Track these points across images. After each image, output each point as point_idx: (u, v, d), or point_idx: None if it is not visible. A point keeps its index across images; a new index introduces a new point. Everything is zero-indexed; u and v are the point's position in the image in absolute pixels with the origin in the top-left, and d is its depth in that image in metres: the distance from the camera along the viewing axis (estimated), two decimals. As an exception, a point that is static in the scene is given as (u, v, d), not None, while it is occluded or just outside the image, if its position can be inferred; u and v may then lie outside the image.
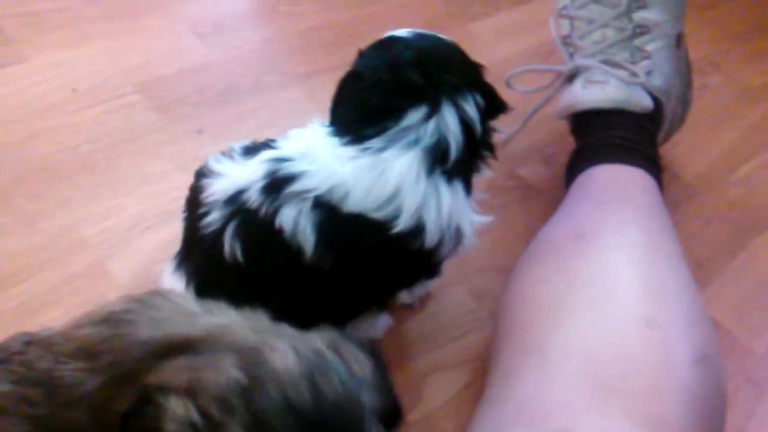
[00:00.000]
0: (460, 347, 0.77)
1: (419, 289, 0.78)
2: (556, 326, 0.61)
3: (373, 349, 0.47)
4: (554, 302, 0.63)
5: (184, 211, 0.68)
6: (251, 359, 0.41)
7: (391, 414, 0.46)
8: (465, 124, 0.63)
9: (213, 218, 0.61)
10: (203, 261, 0.64)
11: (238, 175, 0.62)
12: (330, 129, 0.64)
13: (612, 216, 0.72)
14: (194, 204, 0.65)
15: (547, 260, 0.68)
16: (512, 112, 0.70)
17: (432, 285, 0.79)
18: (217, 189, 0.62)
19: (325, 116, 0.67)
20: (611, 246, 0.66)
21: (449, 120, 0.62)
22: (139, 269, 0.79)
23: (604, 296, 0.62)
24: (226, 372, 0.40)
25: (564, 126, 0.95)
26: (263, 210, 0.60)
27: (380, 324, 0.73)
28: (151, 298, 0.48)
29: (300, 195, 0.60)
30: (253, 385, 0.40)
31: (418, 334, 0.78)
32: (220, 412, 0.39)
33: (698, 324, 0.63)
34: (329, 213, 0.60)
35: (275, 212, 0.60)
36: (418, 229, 0.61)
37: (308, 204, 0.60)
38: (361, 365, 0.44)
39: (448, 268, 0.72)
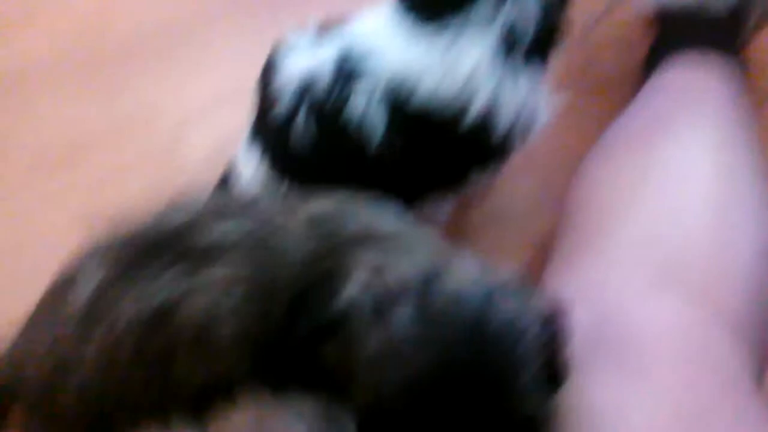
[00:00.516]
0: (522, 235, 0.78)
1: (487, 176, 0.78)
2: (623, 212, 0.62)
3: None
4: (624, 190, 0.64)
5: (256, 92, 0.69)
6: (438, 264, 0.45)
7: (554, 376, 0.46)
8: (543, 5, 0.61)
9: (284, 103, 0.62)
10: (274, 146, 0.66)
11: (310, 59, 0.62)
12: (403, 11, 0.63)
13: (689, 109, 0.70)
14: (266, 85, 0.66)
15: (621, 151, 0.68)
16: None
17: (499, 172, 0.79)
18: (289, 72, 0.63)
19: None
20: (686, 139, 0.65)
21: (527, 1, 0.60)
22: (215, 146, 0.82)
23: (675, 185, 0.62)
24: (415, 265, 0.45)
25: (647, 14, 0.91)
26: (333, 97, 0.61)
27: (445, 208, 0.75)
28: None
29: (370, 81, 0.60)
30: (433, 283, 0.43)
31: (480, 221, 0.79)
32: (399, 292, 0.43)
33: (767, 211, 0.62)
34: (399, 101, 0.60)
35: (345, 100, 0.60)
36: (491, 114, 0.61)
37: (378, 92, 0.60)
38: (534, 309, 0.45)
39: (516, 156, 0.72)
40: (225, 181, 0.72)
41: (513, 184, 0.81)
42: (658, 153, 0.64)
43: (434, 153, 0.64)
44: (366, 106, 0.60)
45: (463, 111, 0.60)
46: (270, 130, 0.65)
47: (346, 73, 0.61)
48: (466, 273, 0.44)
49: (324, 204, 0.54)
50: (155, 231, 0.54)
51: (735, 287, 0.56)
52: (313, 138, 0.62)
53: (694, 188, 0.61)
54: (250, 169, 0.67)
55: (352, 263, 0.46)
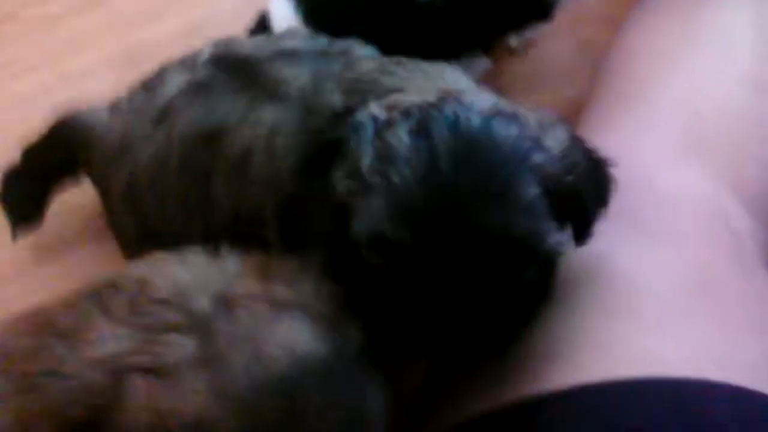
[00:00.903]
0: (557, 99, 0.78)
1: (528, 33, 0.77)
2: (661, 76, 0.61)
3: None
4: (664, 53, 0.62)
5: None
6: (448, 95, 0.44)
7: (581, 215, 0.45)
8: None
9: None
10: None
11: None
12: None
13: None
14: None
15: (663, 12, 0.66)
16: None
17: (540, 30, 0.77)
18: None
19: None
20: (729, 10, 0.63)
21: None
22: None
23: (716, 52, 0.61)
24: (423, 99, 0.44)
25: None
26: None
27: (480, 66, 0.74)
28: None
29: None
30: (435, 108, 0.43)
31: (515, 80, 0.79)
32: (400, 115, 0.43)
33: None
34: None
35: None
36: None
37: None
38: (558, 142, 0.44)
39: (557, 15, 0.70)
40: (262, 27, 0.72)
41: (551, 46, 0.79)
42: (699, 23, 0.62)
43: (478, 4, 0.63)
44: None
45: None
46: None
47: None
48: (476, 101, 0.44)
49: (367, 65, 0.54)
50: (242, 53, 0.57)
51: (759, 167, 0.56)
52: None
53: (734, 57, 0.60)
54: (285, 22, 0.67)
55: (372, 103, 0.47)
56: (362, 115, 0.44)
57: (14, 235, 0.69)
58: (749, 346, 0.47)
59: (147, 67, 0.62)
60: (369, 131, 0.43)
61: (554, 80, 0.79)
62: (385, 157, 0.41)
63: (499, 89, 0.77)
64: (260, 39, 0.61)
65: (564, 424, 0.43)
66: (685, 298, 0.48)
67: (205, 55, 0.58)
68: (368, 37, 0.59)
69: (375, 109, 0.45)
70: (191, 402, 0.36)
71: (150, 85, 0.60)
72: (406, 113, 0.43)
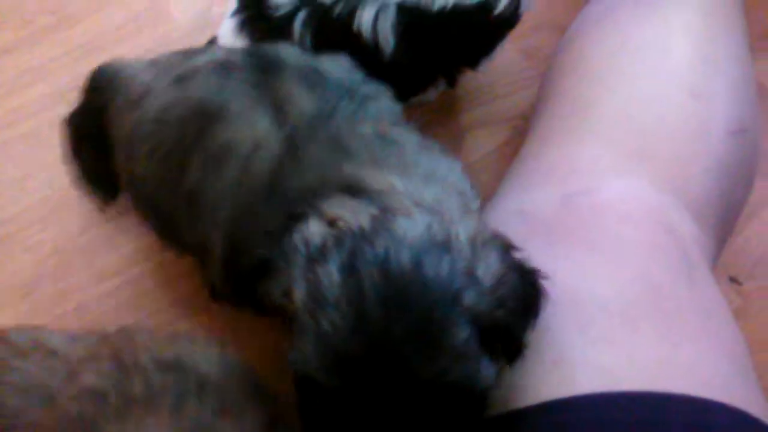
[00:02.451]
0: (504, 105, 0.80)
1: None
2: (601, 89, 0.62)
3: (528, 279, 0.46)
4: (604, 65, 0.64)
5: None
6: (381, 219, 0.44)
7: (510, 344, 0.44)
8: None
9: (282, 1, 0.61)
10: (270, 40, 0.65)
11: None
12: None
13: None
14: None
15: (604, 22, 0.67)
16: None
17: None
18: None
19: None
20: (670, 10, 0.64)
21: None
22: (199, 11, 0.81)
23: (654, 63, 0.62)
24: (361, 219, 0.44)
25: None
26: (338, 9, 0.60)
27: (434, 92, 0.75)
28: None
29: None
30: (368, 240, 0.42)
31: (465, 90, 0.80)
32: (334, 243, 0.43)
33: (742, 96, 0.63)
34: (415, 16, 0.60)
35: (351, 13, 0.60)
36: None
37: (391, 8, 0.59)
38: (490, 271, 0.43)
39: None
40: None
41: (499, 57, 0.81)
42: (635, 34, 0.63)
43: (448, 50, 0.65)
44: (375, 24, 0.60)
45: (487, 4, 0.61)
46: (263, 22, 0.65)
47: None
48: (408, 230, 0.43)
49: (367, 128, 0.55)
50: (278, 55, 0.58)
51: (701, 172, 0.57)
52: (314, 44, 0.62)
53: (672, 67, 0.61)
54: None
55: (318, 210, 0.46)
56: (297, 238, 0.44)
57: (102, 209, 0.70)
58: (696, 353, 0.48)
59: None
60: (301, 260, 0.43)
61: (504, 89, 0.81)
62: (316, 297, 0.41)
63: (452, 104, 0.79)
64: (303, 52, 0.61)
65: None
66: (632, 310, 0.49)
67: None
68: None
69: (313, 227, 0.44)
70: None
71: (191, 52, 0.62)
72: (339, 242, 0.42)
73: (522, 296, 0.45)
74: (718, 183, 0.59)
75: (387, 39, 0.61)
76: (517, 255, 0.47)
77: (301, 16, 0.61)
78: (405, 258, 0.41)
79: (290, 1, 0.61)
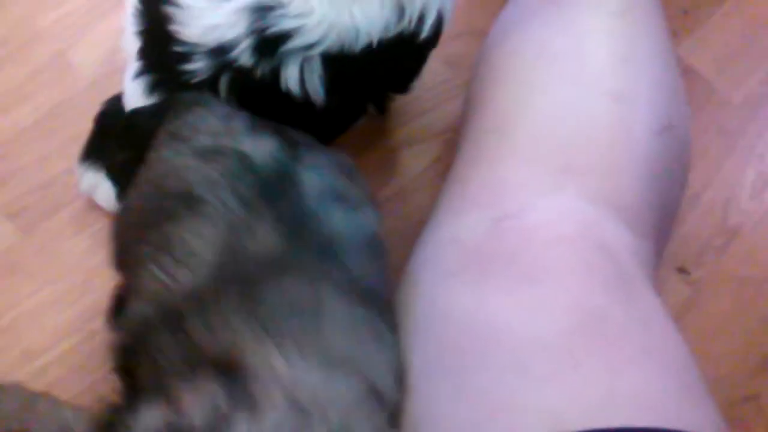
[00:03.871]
0: (432, 119, 0.78)
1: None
2: (520, 104, 0.60)
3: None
4: (522, 77, 0.62)
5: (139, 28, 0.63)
6: (223, 417, 0.42)
7: None
8: None
9: (198, 67, 0.58)
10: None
11: (215, 19, 0.56)
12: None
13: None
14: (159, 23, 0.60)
15: (520, 29, 0.65)
16: None
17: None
18: (194, 33, 0.57)
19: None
20: (583, 15, 0.63)
21: None
22: (102, 58, 0.78)
23: (571, 70, 0.60)
24: (200, 414, 0.42)
25: None
26: (260, 71, 0.57)
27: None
28: None
29: (300, 52, 0.56)
30: None
31: (395, 112, 0.78)
32: None
33: (667, 91, 0.62)
34: (340, 61, 0.57)
35: (274, 71, 0.57)
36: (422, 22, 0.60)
37: (314, 60, 0.57)
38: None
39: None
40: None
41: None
42: (553, 41, 0.62)
43: (377, 82, 0.64)
44: (301, 78, 0.58)
45: (413, 33, 0.59)
46: (177, 85, 0.61)
47: (268, 47, 0.56)
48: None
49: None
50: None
51: (631, 178, 0.56)
52: (242, 106, 0.59)
53: (590, 72, 0.59)
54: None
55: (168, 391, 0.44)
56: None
57: None
58: (640, 378, 0.47)
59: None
60: None
61: (430, 102, 0.79)
62: None
63: (379, 125, 0.77)
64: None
65: None
66: (571, 343, 0.47)
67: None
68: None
69: (149, 417, 0.42)
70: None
71: (237, 130, 0.56)
72: None
73: None
74: (650, 185, 0.58)
75: (317, 91, 0.58)
76: None
77: (225, 80, 0.58)
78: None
79: (206, 66, 0.58)
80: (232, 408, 0.41)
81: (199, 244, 0.49)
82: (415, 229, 0.63)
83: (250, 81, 0.58)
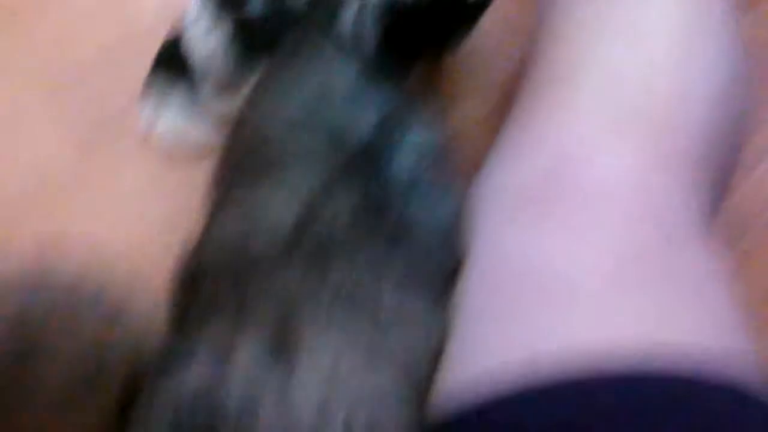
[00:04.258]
0: (491, 70, 0.78)
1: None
2: (584, 57, 0.61)
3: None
4: (585, 30, 0.62)
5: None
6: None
7: None
8: None
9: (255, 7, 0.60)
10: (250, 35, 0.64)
11: None
12: None
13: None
14: None
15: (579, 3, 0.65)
16: None
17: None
18: None
19: None
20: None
21: None
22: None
23: (636, 27, 0.60)
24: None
25: None
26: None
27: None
28: None
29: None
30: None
31: (450, 59, 0.78)
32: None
33: (728, 55, 0.62)
34: (393, 12, 0.58)
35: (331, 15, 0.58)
36: None
37: (368, 8, 0.58)
38: None
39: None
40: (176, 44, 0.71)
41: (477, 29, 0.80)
42: (611, 17, 0.62)
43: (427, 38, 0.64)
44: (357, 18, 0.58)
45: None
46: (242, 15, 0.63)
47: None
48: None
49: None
50: None
51: (687, 139, 0.56)
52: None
53: (662, 28, 0.59)
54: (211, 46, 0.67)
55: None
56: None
57: None
58: (687, 322, 0.48)
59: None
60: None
61: (490, 54, 0.79)
62: None
63: (438, 74, 0.78)
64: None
65: (517, 428, 0.44)
66: (620, 284, 0.48)
67: None
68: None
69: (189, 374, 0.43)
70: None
71: None
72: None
73: None
74: (705, 149, 0.58)
75: (369, 39, 0.59)
76: None
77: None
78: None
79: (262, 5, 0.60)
80: (268, 373, 0.41)
81: (277, 208, 0.49)
82: (468, 176, 0.64)
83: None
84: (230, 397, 0.41)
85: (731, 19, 0.64)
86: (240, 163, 0.54)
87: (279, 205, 0.48)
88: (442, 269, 0.52)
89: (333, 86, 0.53)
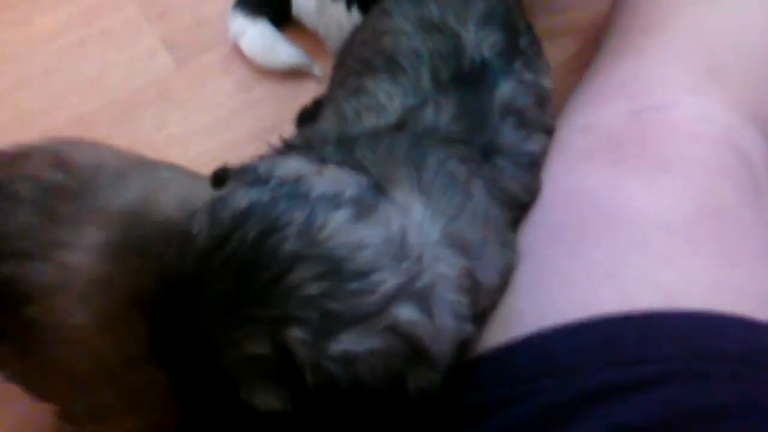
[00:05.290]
0: (576, 15, 0.78)
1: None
2: (675, 6, 0.60)
3: None
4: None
5: None
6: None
7: None
8: None
9: None
10: None
11: None
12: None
13: None
14: None
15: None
16: None
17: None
18: None
19: None
20: None
21: None
22: None
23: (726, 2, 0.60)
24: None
25: None
26: None
27: None
28: None
29: None
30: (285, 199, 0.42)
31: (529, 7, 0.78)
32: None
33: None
34: None
35: None
36: None
37: None
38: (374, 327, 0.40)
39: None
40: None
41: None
42: None
43: None
44: None
45: None
46: None
47: None
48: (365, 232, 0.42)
49: None
50: None
51: None
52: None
53: (743, 12, 0.59)
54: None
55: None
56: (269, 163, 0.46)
57: None
58: (756, 274, 0.48)
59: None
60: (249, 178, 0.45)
61: (568, 4, 0.79)
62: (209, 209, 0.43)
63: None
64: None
65: (576, 356, 0.46)
66: (694, 230, 0.49)
67: None
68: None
69: (292, 162, 0.46)
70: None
71: None
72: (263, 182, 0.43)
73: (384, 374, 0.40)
74: None
75: None
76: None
77: None
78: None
79: None
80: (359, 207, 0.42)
81: (387, 102, 0.52)
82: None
83: None
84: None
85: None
86: (364, 53, 0.58)
87: (388, 101, 0.52)
88: (518, 200, 0.55)
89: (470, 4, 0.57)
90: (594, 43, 0.72)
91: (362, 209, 0.41)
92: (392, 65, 0.54)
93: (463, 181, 0.49)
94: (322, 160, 0.45)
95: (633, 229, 0.50)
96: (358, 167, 0.46)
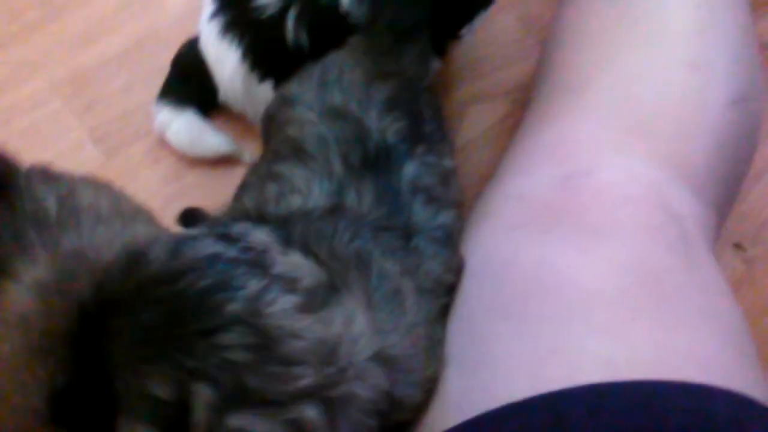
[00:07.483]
0: (502, 77, 0.79)
1: (477, 22, 0.77)
2: (598, 65, 0.61)
3: None
4: (601, 38, 0.63)
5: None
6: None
7: None
8: None
9: (268, 2, 0.61)
10: (259, 42, 0.65)
11: None
12: None
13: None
14: None
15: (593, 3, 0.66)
16: None
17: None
18: None
19: None
20: None
21: None
22: (191, 4, 0.80)
23: (652, 36, 0.61)
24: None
25: None
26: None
27: (434, 66, 0.74)
28: None
29: None
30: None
31: (462, 64, 0.79)
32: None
33: (744, 65, 0.62)
34: None
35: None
36: None
37: None
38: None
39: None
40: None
41: (494, 26, 0.80)
42: (632, 4, 0.62)
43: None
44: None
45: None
46: (249, 24, 0.64)
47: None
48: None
49: None
50: None
51: (701, 146, 0.57)
52: (311, 38, 0.62)
53: (670, 40, 0.60)
54: (229, 66, 0.68)
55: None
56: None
57: None
58: (695, 337, 0.48)
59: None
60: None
61: (502, 60, 0.80)
62: None
63: (449, 79, 0.78)
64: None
65: None
66: (631, 297, 0.49)
67: None
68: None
69: (258, 233, 0.46)
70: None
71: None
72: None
73: None
74: (718, 156, 0.58)
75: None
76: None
77: (293, 12, 0.60)
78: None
79: (275, 1, 0.60)
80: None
81: (304, 186, 0.54)
82: (478, 183, 0.65)
83: (318, 9, 0.61)
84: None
85: (749, 25, 0.64)
86: (279, 142, 0.58)
87: (306, 187, 0.54)
88: (443, 282, 0.55)
89: (371, 93, 0.57)
90: (522, 104, 0.73)
91: (312, 303, 0.42)
92: (300, 153, 0.55)
93: (397, 287, 0.50)
94: (288, 243, 0.46)
95: (571, 302, 0.49)
96: (317, 259, 0.46)
